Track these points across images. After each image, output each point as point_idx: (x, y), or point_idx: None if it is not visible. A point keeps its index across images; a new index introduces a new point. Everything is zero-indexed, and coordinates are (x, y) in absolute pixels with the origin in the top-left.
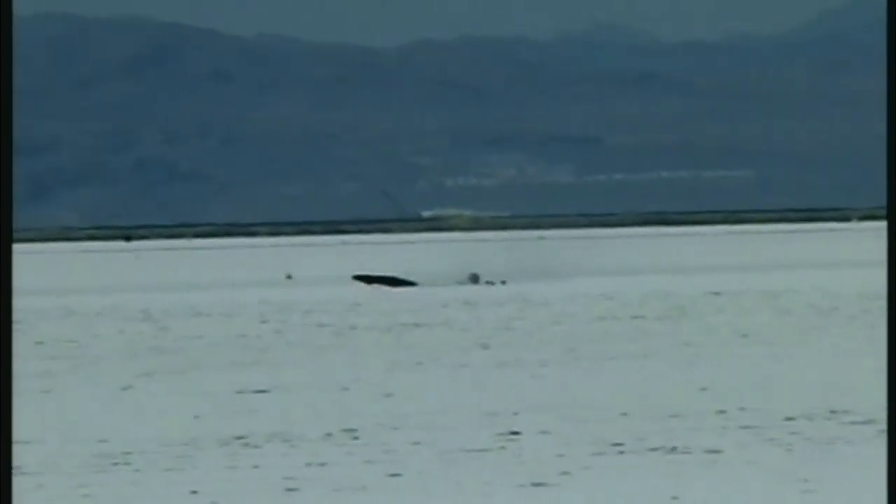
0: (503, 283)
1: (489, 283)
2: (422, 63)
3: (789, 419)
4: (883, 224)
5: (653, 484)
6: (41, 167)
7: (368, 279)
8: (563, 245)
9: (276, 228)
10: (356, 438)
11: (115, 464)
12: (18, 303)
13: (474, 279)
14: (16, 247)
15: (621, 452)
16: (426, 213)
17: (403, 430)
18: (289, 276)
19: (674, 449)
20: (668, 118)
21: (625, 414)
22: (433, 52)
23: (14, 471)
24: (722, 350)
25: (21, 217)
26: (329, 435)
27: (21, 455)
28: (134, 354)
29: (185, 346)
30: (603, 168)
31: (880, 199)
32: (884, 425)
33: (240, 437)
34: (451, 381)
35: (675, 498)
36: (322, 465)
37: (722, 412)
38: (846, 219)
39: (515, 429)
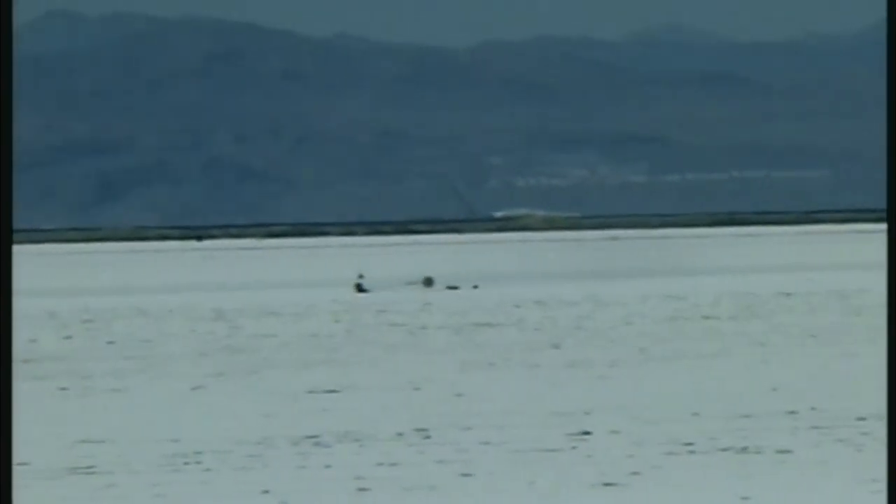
0: (475, 287)
1: (453, 287)
2: (493, 63)
3: (860, 419)
4: None
5: (723, 484)
6: (113, 167)
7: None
8: (635, 245)
9: (348, 228)
10: (427, 438)
11: (187, 463)
12: (91, 302)
13: (428, 283)
14: (88, 246)
15: (692, 452)
16: (498, 214)
17: (475, 430)
18: (360, 276)
19: (744, 449)
20: (740, 118)
21: (696, 414)
22: (504, 52)
23: (86, 470)
24: (793, 350)
25: (93, 216)
26: (400, 434)
27: (93, 454)
28: (205, 354)
29: (256, 346)
30: (675, 168)
31: None
32: None
33: (311, 437)
34: (523, 381)
35: (745, 498)
36: (393, 464)
37: (793, 412)
38: None
39: (586, 428)
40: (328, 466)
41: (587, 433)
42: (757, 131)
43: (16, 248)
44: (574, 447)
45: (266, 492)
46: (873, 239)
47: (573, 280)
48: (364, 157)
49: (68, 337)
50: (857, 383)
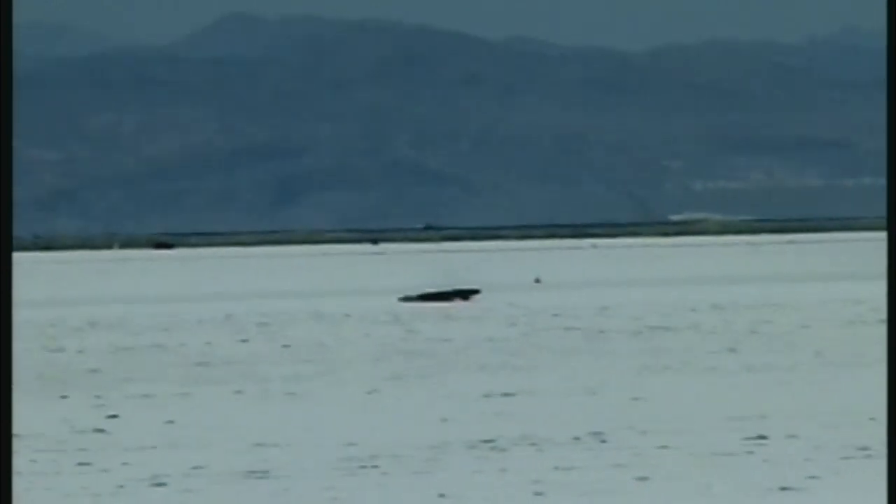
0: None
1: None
2: (671, 66)
3: None
4: None
5: None
6: (292, 170)
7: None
8: (813, 249)
9: (525, 231)
10: (604, 442)
11: (363, 467)
12: (267, 306)
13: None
14: (265, 249)
15: (869, 457)
16: (675, 217)
17: (651, 434)
18: (537, 280)
19: None
20: None
21: (873, 419)
22: (683, 56)
23: (261, 474)
24: None
25: (271, 220)
26: (577, 439)
27: (268, 459)
28: (381, 358)
29: (432, 350)
30: (853, 172)
31: None
32: None
33: (487, 441)
34: (700, 385)
35: None
36: (569, 468)
37: None
38: None
39: (763, 433)
40: (504, 470)
41: (764, 437)
42: None
43: (196, 252)
44: (751, 451)
45: (442, 496)
46: None
47: (750, 284)
48: (542, 161)
49: (244, 340)
50: None
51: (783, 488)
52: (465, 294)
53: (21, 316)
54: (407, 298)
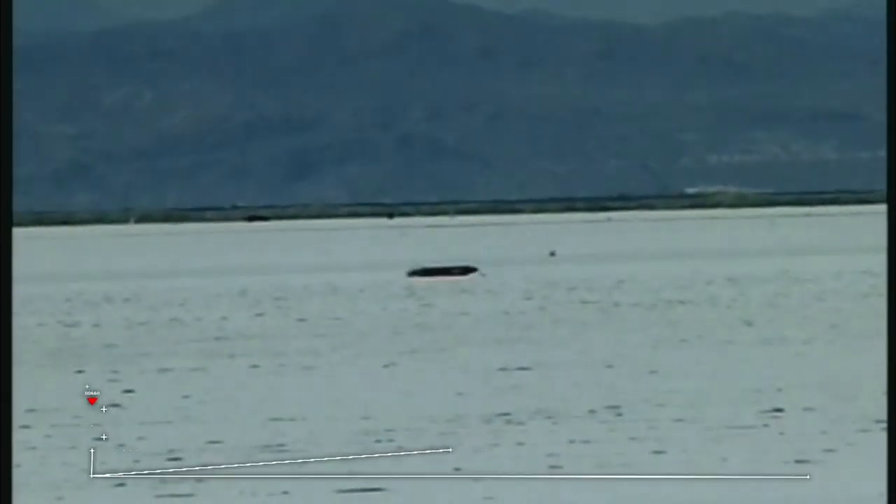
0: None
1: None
2: (687, 39)
3: None
4: None
5: None
6: (306, 144)
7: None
8: (827, 222)
9: (541, 205)
10: (620, 415)
11: (378, 441)
12: (283, 280)
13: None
14: (280, 224)
15: (885, 429)
16: (690, 190)
17: (667, 407)
18: (552, 254)
19: None
20: None
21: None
22: (698, 29)
23: (277, 448)
24: None
25: (285, 194)
26: (593, 412)
27: (284, 432)
28: (397, 331)
29: (449, 323)
30: (868, 144)
31: None
32: None
33: (503, 414)
34: (716, 358)
35: None
36: (586, 441)
37: None
38: None
39: (779, 406)
40: (520, 444)
41: (780, 410)
42: None
43: (208, 227)
44: (766, 424)
45: (458, 469)
46: None
47: (765, 257)
48: (557, 135)
49: (260, 315)
50: None
51: (799, 461)
52: (465, 270)
53: (37, 291)
54: (413, 273)
